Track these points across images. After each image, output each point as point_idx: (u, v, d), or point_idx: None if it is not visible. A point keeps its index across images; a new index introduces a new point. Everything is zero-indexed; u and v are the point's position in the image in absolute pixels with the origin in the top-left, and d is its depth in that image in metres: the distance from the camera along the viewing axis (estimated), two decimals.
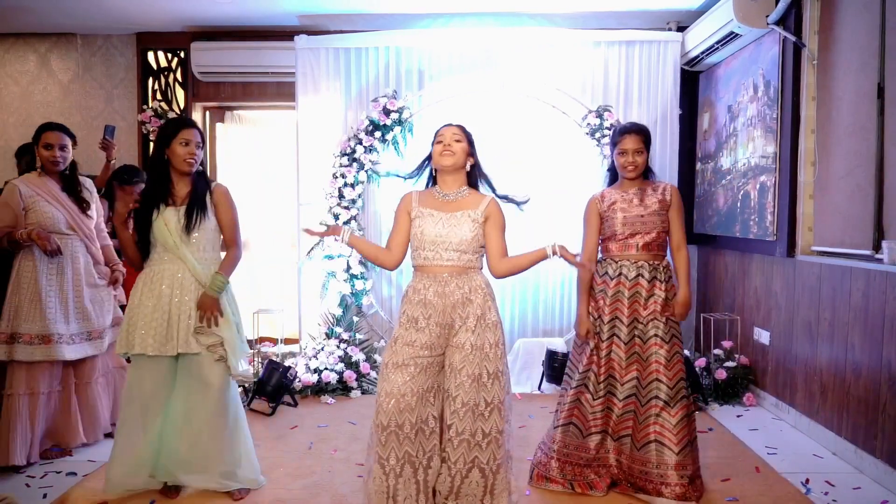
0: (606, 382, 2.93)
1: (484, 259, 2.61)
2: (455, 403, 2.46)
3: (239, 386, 2.92)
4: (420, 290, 2.50)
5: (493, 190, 2.65)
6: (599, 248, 3.06)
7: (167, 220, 2.74)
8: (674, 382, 2.85)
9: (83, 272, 3.36)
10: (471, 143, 2.61)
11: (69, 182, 3.39)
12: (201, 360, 2.77)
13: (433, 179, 2.66)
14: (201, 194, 2.80)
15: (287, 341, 5.00)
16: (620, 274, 2.95)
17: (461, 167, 2.58)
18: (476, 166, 2.63)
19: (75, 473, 3.13)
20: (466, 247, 2.50)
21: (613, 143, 3.01)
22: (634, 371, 2.90)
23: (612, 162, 3.05)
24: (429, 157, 2.64)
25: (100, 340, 3.42)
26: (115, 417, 3.52)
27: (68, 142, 3.35)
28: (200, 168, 2.85)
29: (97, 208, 3.52)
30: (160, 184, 2.79)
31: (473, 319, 2.47)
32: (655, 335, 2.88)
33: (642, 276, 2.92)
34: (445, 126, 2.62)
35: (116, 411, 3.56)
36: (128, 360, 3.59)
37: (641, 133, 2.96)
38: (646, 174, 3.05)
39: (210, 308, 2.73)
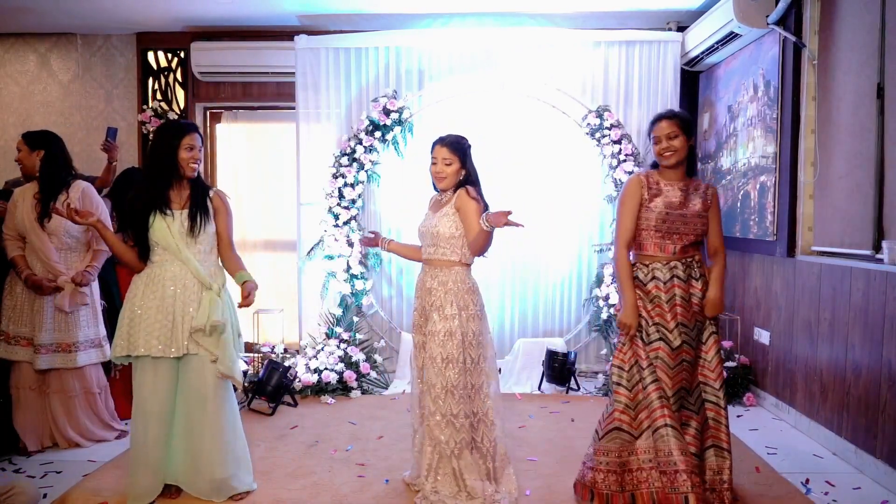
0: (646, 385, 2.72)
1: (467, 254, 2.82)
2: (424, 384, 2.80)
3: (235, 389, 2.90)
4: (418, 277, 2.93)
5: (481, 197, 2.82)
6: (635, 246, 2.87)
7: (169, 224, 2.74)
8: (719, 384, 2.76)
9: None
10: (463, 157, 2.81)
11: (43, 189, 3.41)
12: (202, 361, 2.75)
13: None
14: (203, 199, 2.83)
15: (287, 342, 5.00)
16: (654, 278, 2.77)
17: (454, 184, 2.84)
18: (468, 176, 2.83)
19: (75, 473, 3.13)
20: (437, 240, 2.80)
21: (649, 135, 2.87)
22: (682, 382, 2.72)
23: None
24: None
25: (62, 354, 3.40)
26: (77, 434, 3.48)
27: (21, 144, 3.44)
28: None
29: (97, 209, 3.47)
30: (159, 187, 2.77)
31: (436, 310, 2.77)
32: (699, 339, 2.77)
33: (678, 277, 2.76)
34: (438, 145, 2.83)
35: (80, 430, 3.49)
36: (115, 367, 3.65)
37: (675, 117, 2.80)
38: (691, 170, 2.88)
39: (252, 290, 2.80)
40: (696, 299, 2.77)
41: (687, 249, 2.79)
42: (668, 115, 2.84)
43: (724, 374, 2.81)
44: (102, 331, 3.56)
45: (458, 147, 2.80)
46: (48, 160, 3.39)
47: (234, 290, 2.95)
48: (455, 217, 2.76)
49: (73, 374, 3.45)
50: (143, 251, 2.78)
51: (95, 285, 3.57)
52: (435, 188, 2.91)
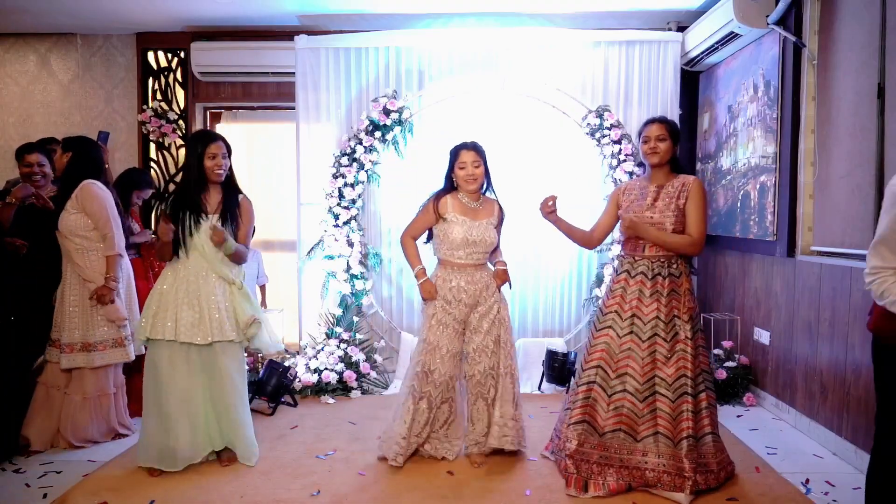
0: (620, 380, 2.97)
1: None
2: (502, 351, 3.35)
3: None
4: (452, 280, 3.20)
5: (494, 192, 3.35)
6: (620, 243, 3.25)
7: (202, 227, 3.09)
8: (674, 378, 2.91)
9: (69, 281, 3.43)
10: (485, 160, 3.21)
11: (59, 188, 3.53)
12: (226, 347, 3.13)
13: (452, 184, 3.24)
14: (233, 205, 3.19)
15: (287, 342, 5.00)
16: (626, 271, 3.08)
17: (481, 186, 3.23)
18: (488, 179, 3.26)
19: (75, 473, 3.13)
20: (486, 247, 3.21)
21: (640, 135, 3.16)
22: (627, 368, 2.98)
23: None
24: (450, 171, 3.23)
25: (84, 353, 3.41)
26: (80, 440, 3.46)
27: (58, 146, 3.58)
28: (228, 173, 3.21)
29: (96, 203, 3.44)
30: (195, 193, 3.11)
31: (492, 297, 3.25)
32: (655, 334, 2.97)
33: (644, 275, 3.03)
34: (464, 150, 3.18)
35: (83, 434, 3.46)
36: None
37: (665, 122, 3.11)
38: (676, 168, 3.14)
39: (219, 237, 3.06)
40: (661, 297, 2.98)
41: (658, 247, 3.02)
42: (659, 119, 3.14)
43: (684, 371, 2.92)
44: (126, 331, 3.51)
45: (483, 151, 3.21)
46: (70, 164, 3.45)
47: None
48: (495, 229, 3.25)
49: (92, 374, 3.45)
50: (176, 246, 3.10)
51: (123, 285, 3.55)
52: (445, 190, 3.23)
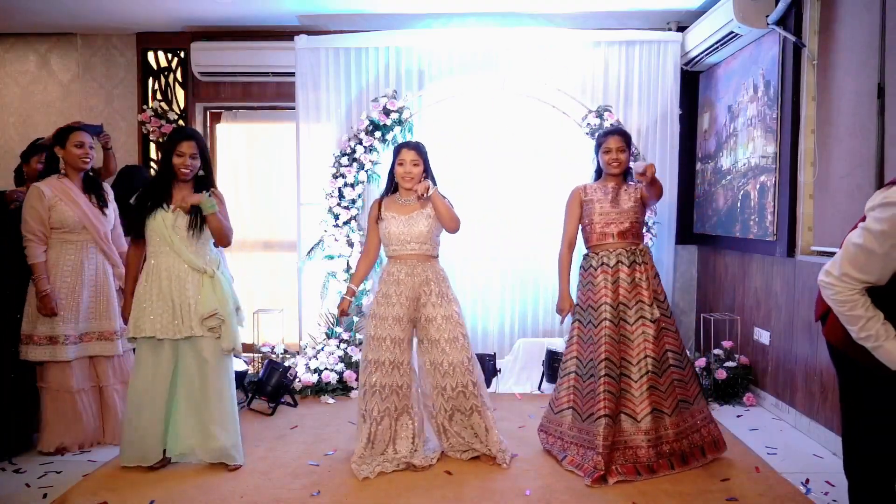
0: (594, 366, 3.17)
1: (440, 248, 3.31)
2: (447, 363, 3.25)
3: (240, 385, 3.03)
4: (393, 273, 3.21)
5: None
6: (584, 242, 3.41)
7: (164, 217, 3.06)
8: (660, 354, 3.18)
9: (96, 272, 3.48)
10: (425, 160, 3.25)
11: (90, 182, 3.54)
12: (204, 341, 3.09)
13: (395, 187, 3.31)
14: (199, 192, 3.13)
15: (287, 342, 5.00)
16: (602, 264, 3.26)
17: (418, 182, 3.22)
18: (427, 176, 3.25)
19: (76, 473, 3.13)
20: (422, 238, 3.19)
21: (598, 145, 3.38)
22: (628, 353, 3.18)
23: (598, 163, 3.41)
24: (392, 168, 3.28)
25: (110, 342, 3.47)
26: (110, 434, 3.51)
27: (93, 141, 3.61)
28: (201, 173, 3.16)
29: (114, 210, 3.61)
30: (162, 186, 3.11)
31: (437, 296, 3.19)
32: (642, 317, 3.18)
33: (622, 263, 3.24)
34: (405, 148, 3.25)
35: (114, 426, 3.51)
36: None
37: (623, 134, 3.37)
38: (625, 176, 3.38)
39: (190, 200, 3.06)
40: (641, 283, 3.21)
41: (625, 235, 3.27)
42: (620, 132, 3.38)
43: (669, 347, 3.22)
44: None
45: (423, 151, 3.26)
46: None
47: (237, 288, 3.01)
48: (433, 219, 3.20)
49: (110, 365, 3.49)
50: (139, 240, 3.13)
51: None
52: (388, 190, 3.34)
